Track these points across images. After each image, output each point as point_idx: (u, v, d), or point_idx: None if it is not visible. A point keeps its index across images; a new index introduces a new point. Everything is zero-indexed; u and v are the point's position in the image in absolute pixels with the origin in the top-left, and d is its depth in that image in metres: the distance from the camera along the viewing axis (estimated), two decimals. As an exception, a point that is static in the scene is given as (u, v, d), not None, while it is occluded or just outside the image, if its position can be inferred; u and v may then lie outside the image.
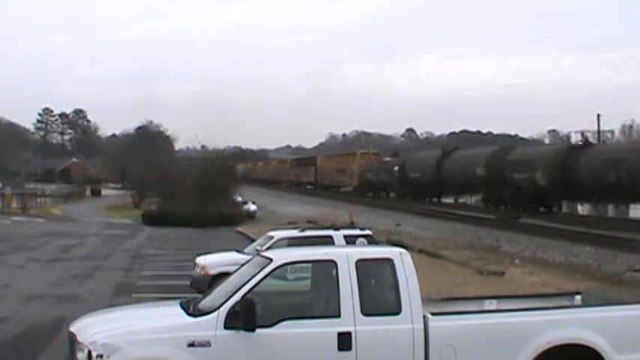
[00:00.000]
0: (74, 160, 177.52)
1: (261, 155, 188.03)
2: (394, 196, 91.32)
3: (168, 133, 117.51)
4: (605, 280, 27.77)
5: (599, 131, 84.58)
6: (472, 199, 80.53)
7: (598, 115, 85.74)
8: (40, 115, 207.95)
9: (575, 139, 68.29)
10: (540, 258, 34.84)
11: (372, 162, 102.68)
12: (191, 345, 10.52)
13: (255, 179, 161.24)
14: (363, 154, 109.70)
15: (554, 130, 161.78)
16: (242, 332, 10.57)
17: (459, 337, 11.08)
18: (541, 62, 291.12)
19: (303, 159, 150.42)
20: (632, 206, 54.30)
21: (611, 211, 59.69)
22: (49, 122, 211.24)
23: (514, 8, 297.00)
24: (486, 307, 12.82)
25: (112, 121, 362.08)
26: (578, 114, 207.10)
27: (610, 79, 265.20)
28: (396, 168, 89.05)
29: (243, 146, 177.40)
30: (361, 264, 11.19)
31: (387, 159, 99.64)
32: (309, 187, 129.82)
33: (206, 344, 10.55)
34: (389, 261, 11.33)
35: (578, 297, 13.51)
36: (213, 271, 22.51)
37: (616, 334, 11.39)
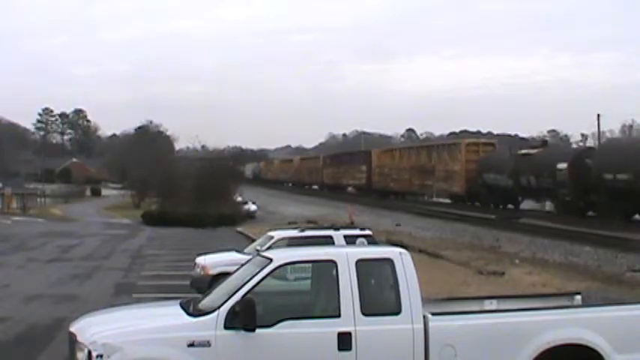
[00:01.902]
0: (74, 160, 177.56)
1: (261, 155, 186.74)
2: (554, 209, 58.47)
3: (168, 133, 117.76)
4: (605, 280, 27.76)
5: (599, 131, 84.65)
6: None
7: (598, 115, 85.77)
8: (40, 115, 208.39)
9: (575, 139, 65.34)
10: (540, 258, 34.83)
11: (489, 156, 68.31)
12: (191, 345, 10.50)
13: (268, 180, 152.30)
14: (471, 144, 72.64)
15: (554, 130, 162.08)
16: (242, 332, 10.56)
17: (459, 337, 11.06)
18: (540, 62, 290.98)
19: (346, 154, 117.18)
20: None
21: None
22: (49, 122, 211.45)
23: (513, 8, 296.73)
24: (486, 307, 12.81)
25: (112, 121, 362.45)
26: (577, 114, 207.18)
27: (609, 79, 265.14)
28: (563, 166, 53.58)
29: (243, 146, 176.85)
30: (361, 264, 11.19)
31: (529, 151, 60.98)
32: (349, 190, 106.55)
33: (206, 344, 10.54)
34: (389, 261, 11.33)
35: (578, 297, 13.51)
36: (213, 271, 22.53)
37: (616, 334, 11.38)
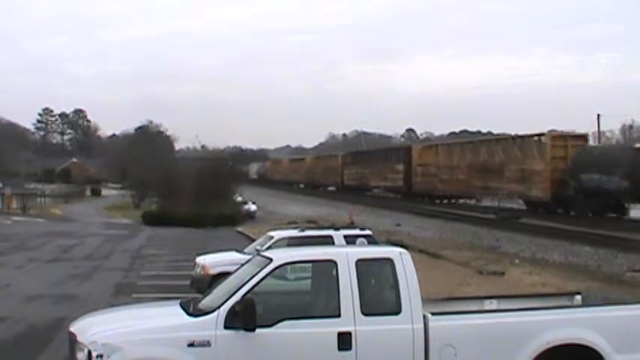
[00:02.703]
0: (74, 160, 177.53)
1: (261, 155, 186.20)
2: None
3: (168, 133, 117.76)
4: (605, 280, 27.76)
5: (599, 131, 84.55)
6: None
7: (598, 115, 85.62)
8: (40, 115, 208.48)
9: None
10: (540, 258, 34.84)
11: (589, 151, 54.76)
12: (191, 345, 10.50)
13: (276, 181, 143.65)
14: (558, 138, 58.23)
15: (554, 130, 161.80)
16: (242, 332, 10.56)
17: (459, 337, 11.07)
18: (540, 62, 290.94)
19: (376, 151, 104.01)
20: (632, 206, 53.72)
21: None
22: (49, 122, 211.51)
23: (512, 8, 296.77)
24: (486, 307, 12.82)
25: (112, 121, 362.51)
26: (577, 114, 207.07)
27: (609, 79, 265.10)
28: None
29: (243, 146, 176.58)
30: (361, 264, 11.20)
31: None
32: (376, 192, 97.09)
33: (206, 344, 10.54)
34: (389, 261, 11.33)
35: (578, 297, 13.51)
36: (213, 271, 22.54)
37: (616, 334, 11.38)
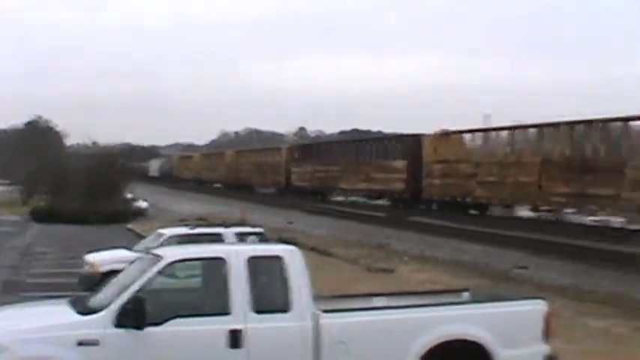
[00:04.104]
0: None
1: (151, 152, 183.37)
2: None
3: (58, 129, 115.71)
4: (492, 276, 28.33)
5: (486, 130, 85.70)
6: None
7: (487, 115, 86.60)
8: None
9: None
10: (430, 255, 35.30)
11: None
12: (80, 344, 10.37)
13: (185, 180, 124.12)
14: None
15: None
16: (132, 331, 10.48)
17: (349, 334, 11.17)
18: (432, 63, 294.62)
19: (348, 143, 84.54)
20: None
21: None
22: None
23: (407, 10, 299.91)
24: (376, 304, 12.96)
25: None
26: (466, 114, 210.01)
27: (498, 80, 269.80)
28: None
29: (133, 143, 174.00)
30: (252, 261, 11.21)
31: None
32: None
33: (95, 343, 10.41)
34: (279, 258, 11.38)
35: (467, 293, 13.75)
36: (102, 269, 22.22)
37: (502, 330, 11.65)
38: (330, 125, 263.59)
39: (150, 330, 10.55)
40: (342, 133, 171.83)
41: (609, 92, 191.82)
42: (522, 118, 57.68)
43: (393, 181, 64.01)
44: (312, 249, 34.36)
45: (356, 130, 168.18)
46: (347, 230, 48.13)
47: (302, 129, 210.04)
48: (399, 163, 63.95)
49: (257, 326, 10.84)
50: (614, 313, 22.15)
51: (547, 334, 12.01)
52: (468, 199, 55.61)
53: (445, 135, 60.90)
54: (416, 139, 63.29)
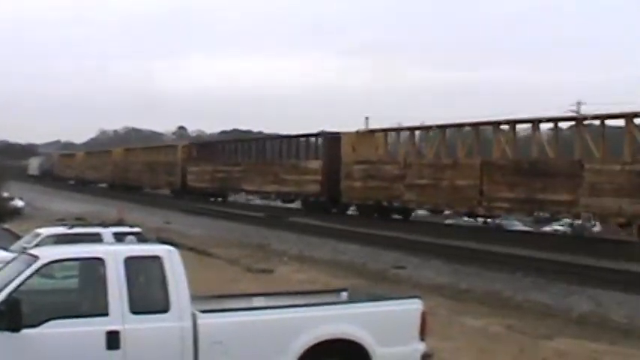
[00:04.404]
0: None
1: (29, 150, 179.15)
2: None
3: None
4: (370, 276, 28.66)
5: (370, 131, 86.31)
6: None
7: (366, 118, 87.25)
8: None
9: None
10: (308, 256, 35.45)
11: None
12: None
13: (65, 178, 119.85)
14: None
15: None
16: (7, 333, 10.22)
17: (227, 334, 11.14)
18: (312, 64, 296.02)
19: (250, 141, 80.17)
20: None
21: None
22: None
23: (284, 10, 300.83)
24: (255, 304, 12.95)
25: None
26: (346, 115, 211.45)
27: (376, 82, 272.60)
28: None
29: (11, 140, 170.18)
30: (130, 262, 11.07)
31: None
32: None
33: (-33, 345, 10.18)
34: (158, 259, 11.27)
35: (345, 293, 13.85)
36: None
37: (379, 329, 11.78)
38: (210, 125, 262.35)
39: (26, 332, 10.31)
40: (222, 132, 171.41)
41: (496, 92, 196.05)
42: (400, 121, 57.68)
43: (307, 182, 59.04)
44: (191, 249, 34.15)
45: (237, 130, 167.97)
46: (227, 231, 47.96)
47: (182, 128, 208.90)
48: (314, 164, 59.28)
49: (135, 327, 10.71)
50: (490, 311, 22.69)
51: (423, 333, 12.20)
52: (395, 204, 51.26)
53: (366, 133, 57.42)
54: (333, 137, 58.48)
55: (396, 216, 52.15)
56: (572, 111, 59.46)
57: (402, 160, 51.06)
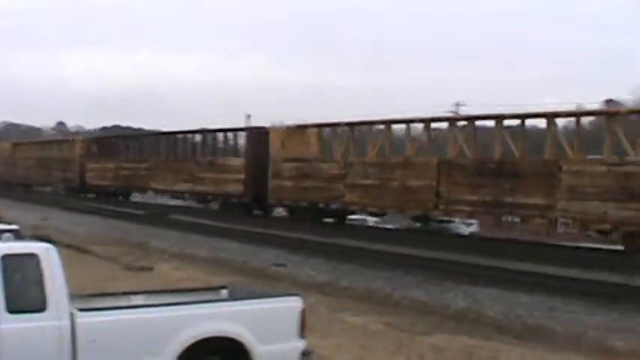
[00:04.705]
0: None
1: None
2: None
3: None
4: (251, 274, 28.74)
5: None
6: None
7: (248, 116, 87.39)
8: None
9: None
10: (189, 253, 35.32)
11: None
12: None
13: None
14: None
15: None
16: None
17: (107, 333, 11.03)
18: (191, 61, 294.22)
19: (155, 136, 75.30)
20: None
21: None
22: None
23: (157, 8, 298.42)
24: (134, 302, 12.88)
25: None
26: (230, 113, 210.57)
27: (257, 81, 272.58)
28: None
29: None
30: (6, 259, 10.84)
31: None
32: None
33: None
34: (35, 256, 11.06)
35: (225, 291, 13.90)
36: None
37: (259, 326, 11.85)
38: (89, 121, 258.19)
39: None
40: (103, 129, 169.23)
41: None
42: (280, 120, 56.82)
43: (228, 182, 54.45)
44: (69, 247, 33.60)
45: (117, 127, 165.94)
46: (106, 228, 47.36)
47: (61, 124, 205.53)
48: (237, 161, 55.26)
49: (11, 327, 10.52)
50: (370, 309, 23.00)
51: (303, 330, 12.31)
52: (334, 206, 47.37)
53: (297, 129, 52.26)
54: (260, 132, 53.99)
55: (328, 219, 48.68)
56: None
57: (342, 158, 47.30)
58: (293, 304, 12.46)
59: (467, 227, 56.42)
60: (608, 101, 59.80)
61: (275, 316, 12.18)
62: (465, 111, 66.71)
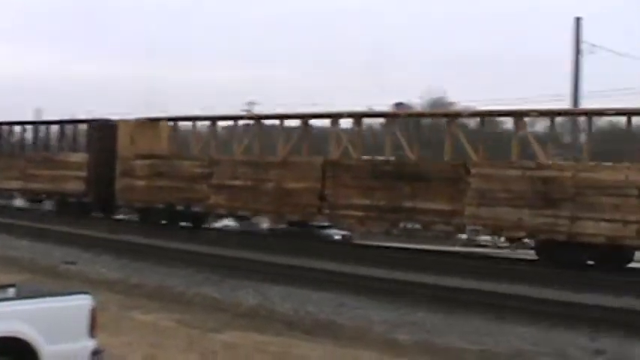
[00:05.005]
0: None
1: None
2: None
3: None
4: (41, 272, 28.19)
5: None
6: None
7: (39, 109, 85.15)
8: None
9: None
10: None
11: None
12: None
13: None
14: None
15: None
16: None
17: None
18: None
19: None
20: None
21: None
22: None
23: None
24: None
25: None
26: (21, 106, 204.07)
27: (51, 72, 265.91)
28: None
29: None
30: None
31: None
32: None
33: None
34: None
35: (12, 290, 13.62)
36: None
37: (48, 325, 11.62)
38: None
39: None
40: None
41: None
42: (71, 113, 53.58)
43: (67, 179, 48.00)
44: None
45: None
46: None
47: None
48: (78, 157, 48.38)
49: None
50: (161, 306, 23.05)
51: (93, 329, 12.21)
52: (196, 208, 42.19)
53: (148, 122, 46.69)
54: (106, 125, 47.90)
55: (184, 223, 43.74)
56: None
57: (207, 156, 42.39)
58: (83, 302, 12.30)
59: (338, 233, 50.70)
60: (398, 104, 61.33)
61: (64, 315, 11.99)
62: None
